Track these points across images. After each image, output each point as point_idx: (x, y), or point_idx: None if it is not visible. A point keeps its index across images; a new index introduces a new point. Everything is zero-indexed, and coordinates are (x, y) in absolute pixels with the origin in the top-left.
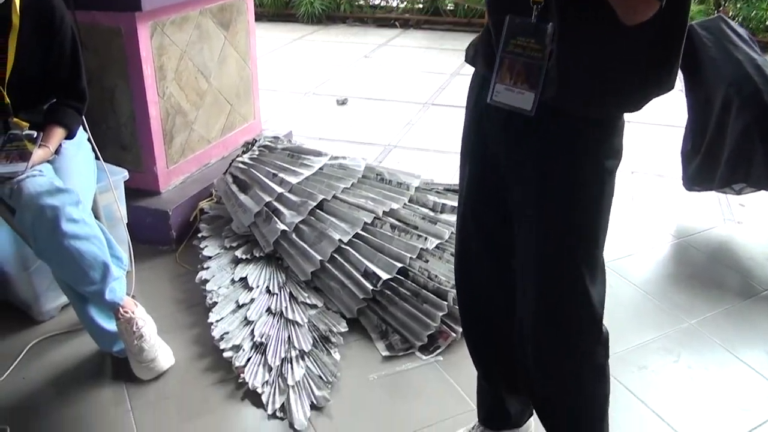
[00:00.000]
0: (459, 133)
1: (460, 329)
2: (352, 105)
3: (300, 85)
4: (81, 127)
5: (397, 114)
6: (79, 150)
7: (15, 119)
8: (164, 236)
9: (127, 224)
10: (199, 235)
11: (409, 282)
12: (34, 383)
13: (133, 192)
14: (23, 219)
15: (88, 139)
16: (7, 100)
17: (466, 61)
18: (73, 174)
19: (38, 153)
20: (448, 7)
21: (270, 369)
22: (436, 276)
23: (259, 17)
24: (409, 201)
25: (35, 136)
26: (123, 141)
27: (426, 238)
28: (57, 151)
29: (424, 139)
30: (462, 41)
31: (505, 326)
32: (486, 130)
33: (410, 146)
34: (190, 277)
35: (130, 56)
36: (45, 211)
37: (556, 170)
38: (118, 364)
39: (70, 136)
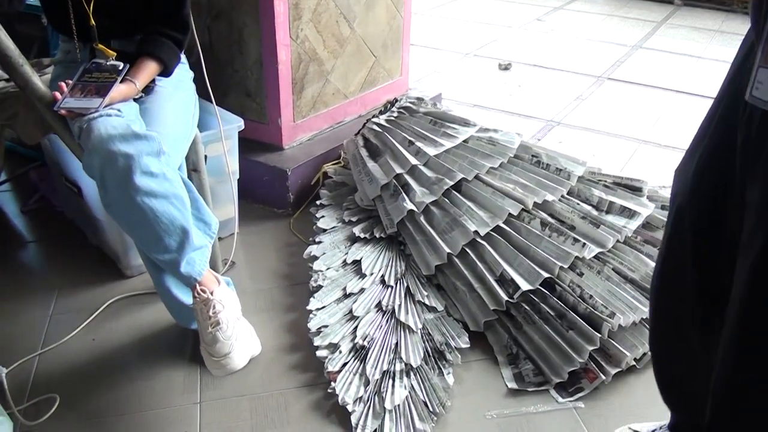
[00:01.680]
0: (635, 115)
1: (613, 370)
2: (516, 71)
3: (462, 45)
4: (185, 62)
5: (566, 86)
6: (177, 90)
7: (100, 46)
8: (281, 198)
9: (241, 183)
10: (318, 202)
11: (555, 299)
12: (101, 348)
13: (252, 144)
14: (91, 164)
15: (194, 79)
16: (92, 21)
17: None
18: (163, 118)
19: (119, 88)
20: None
21: (367, 382)
22: (590, 297)
23: None
24: (569, 193)
25: (121, 68)
26: (248, 87)
27: (584, 244)
28: (148, 90)
29: (595, 118)
30: (648, 10)
31: None
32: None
33: (577, 125)
34: (301, 249)
35: None
36: (116, 158)
37: None
38: (198, 344)
39: (165, 72)
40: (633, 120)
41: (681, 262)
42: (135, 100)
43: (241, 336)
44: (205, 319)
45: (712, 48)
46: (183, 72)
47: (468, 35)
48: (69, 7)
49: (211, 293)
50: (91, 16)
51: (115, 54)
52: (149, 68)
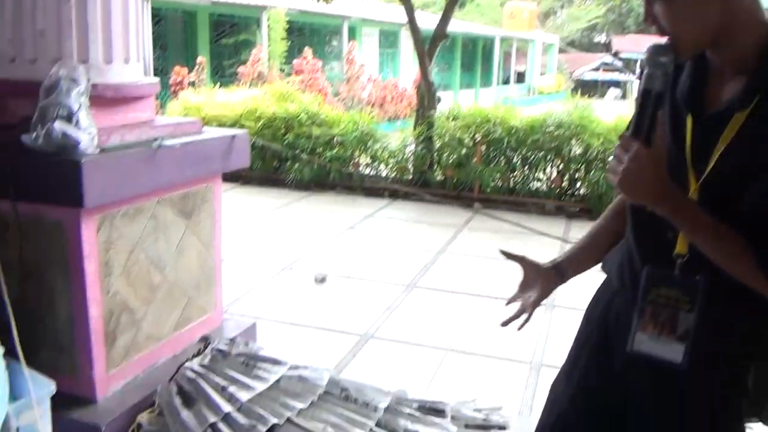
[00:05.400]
0: (441, 322)
1: None
2: (331, 283)
3: (279, 258)
4: None
5: (378, 296)
6: None
7: None
8: None
9: None
10: None
11: None
12: None
13: (66, 400)
14: None
15: (6, 353)
16: None
17: (603, 269)
18: None
19: None
20: (438, 178)
21: None
22: None
23: (247, 181)
24: (377, 425)
25: None
26: (61, 342)
27: None
28: None
29: (404, 328)
30: (452, 215)
31: None
32: (618, 345)
33: (388, 337)
34: None
35: (71, 253)
36: None
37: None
38: None
39: None
40: (439, 327)
41: None
42: None
43: None
44: None
45: (510, 248)
46: None
47: (283, 247)
48: None
49: None
50: None
51: None
52: None
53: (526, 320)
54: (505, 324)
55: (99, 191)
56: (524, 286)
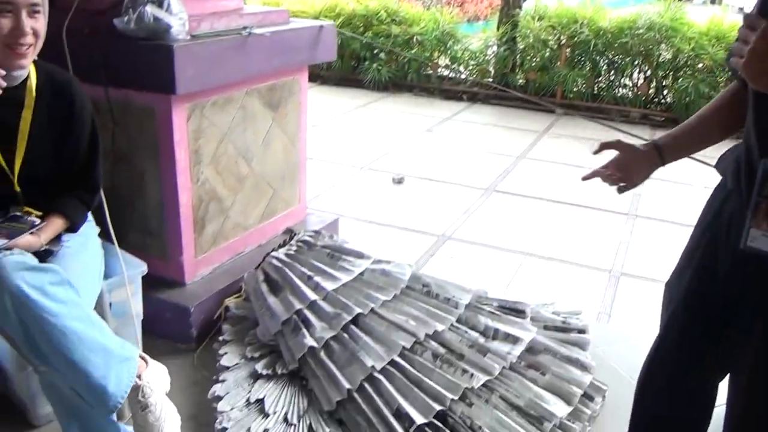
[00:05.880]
0: (520, 227)
1: None
2: (409, 184)
3: (358, 158)
4: (92, 220)
5: (456, 199)
6: (84, 248)
7: (27, 209)
8: (184, 334)
9: (144, 318)
10: (221, 338)
11: (448, 431)
12: None
13: (155, 281)
14: (2, 306)
15: (100, 233)
16: (18, 188)
17: (717, 169)
18: (72, 276)
19: (25, 238)
20: (519, 83)
21: None
22: (479, 427)
23: (325, 80)
24: (458, 321)
25: (37, 223)
26: (150, 227)
27: (472, 375)
28: (53, 249)
29: (482, 231)
30: (531, 120)
31: None
32: (726, 249)
33: (466, 239)
34: (205, 387)
35: (162, 139)
36: (24, 290)
37: None
38: None
39: (72, 229)
40: (518, 232)
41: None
42: (42, 258)
43: (168, 416)
44: (135, 404)
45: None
46: (89, 229)
47: (362, 148)
48: None
49: (139, 377)
50: (16, 184)
51: (41, 214)
52: (55, 224)
53: (623, 189)
54: (586, 178)
55: (190, 78)
56: (619, 166)
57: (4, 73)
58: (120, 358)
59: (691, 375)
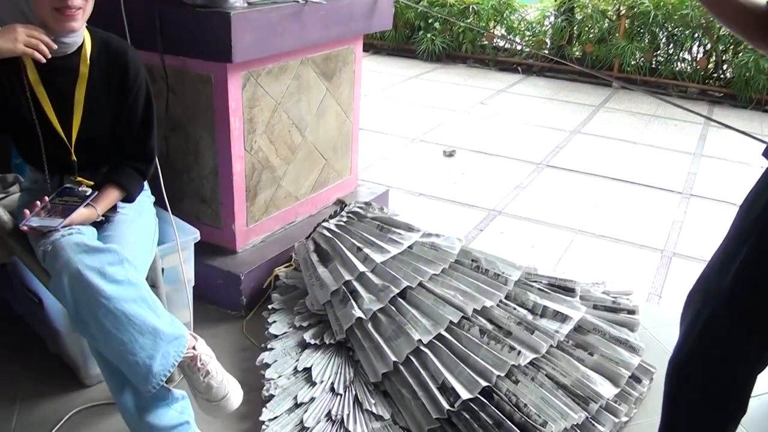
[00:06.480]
0: (572, 203)
1: None
2: (460, 157)
3: (409, 129)
4: (147, 189)
5: (508, 173)
6: (139, 216)
7: (79, 178)
8: (234, 301)
9: (195, 285)
10: (270, 306)
11: (492, 407)
12: None
13: (207, 248)
14: (59, 284)
15: (155, 203)
16: (74, 157)
17: (765, 155)
18: (126, 244)
19: (81, 212)
20: (576, 55)
21: None
22: (525, 405)
23: (378, 50)
24: (506, 297)
25: (89, 194)
26: (203, 194)
27: (519, 352)
28: (110, 216)
29: (534, 206)
30: (587, 93)
31: None
32: None
33: (516, 214)
34: (253, 354)
35: (218, 107)
36: (84, 273)
37: None
38: None
39: (128, 199)
40: (570, 208)
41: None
42: (98, 226)
43: (229, 378)
44: (195, 373)
45: (648, 133)
46: (145, 198)
47: (414, 119)
48: (41, 145)
49: (194, 348)
50: (73, 152)
51: (92, 183)
52: (111, 195)
53: None
54: None
55: (247, 46)
56: None
57: (52, 38)
58: (169, 338)
59: (735, 378)
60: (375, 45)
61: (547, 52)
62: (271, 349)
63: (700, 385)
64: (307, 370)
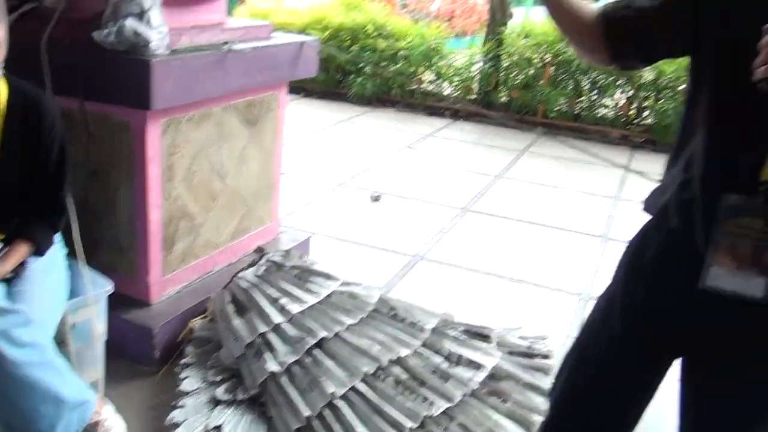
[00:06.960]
0: (493, 248)
1: None
2: (386, 202)
3: (337, 174)
4: (60, 240)
5: (431, 218)
6: (50, 271)
7: None
8: (148, 356)
9: (108, 338)
10: (183, 361)
11: None
12: None
13: (122, 300)
14: None
15: (67, 254)
16: None
17: (647, 210)
18: (35, 300)
19: None
20: (502, 100)
21: None
22: None
23: (309, 93)
24: (423, 345)
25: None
26: (120, 243)
27: (432, 402)
28: (19, 271)
29: (455, 252)
30: (512, 139)
31: None
32: (662, 290)
33: (438, 259)
34: (165, 412)
35: (136, 155)
36: None
37: None
38: None
39: (38, 253)
40: (491, 253)
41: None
42: (6, 282)
43: None
44: None
45: (570, 177)
46: (56, 252)
47: (342, 163)
48: None
49: (99, 414)
50: None
51: (2, 237)
52: (20, 251)
53: None
54: None
55: (167, 94)
56: None
57: None
58: (73, 405)
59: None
60: (306, 88)
61: (474, 96)
62: (182, 406)
63: None
64: (218, 429)
